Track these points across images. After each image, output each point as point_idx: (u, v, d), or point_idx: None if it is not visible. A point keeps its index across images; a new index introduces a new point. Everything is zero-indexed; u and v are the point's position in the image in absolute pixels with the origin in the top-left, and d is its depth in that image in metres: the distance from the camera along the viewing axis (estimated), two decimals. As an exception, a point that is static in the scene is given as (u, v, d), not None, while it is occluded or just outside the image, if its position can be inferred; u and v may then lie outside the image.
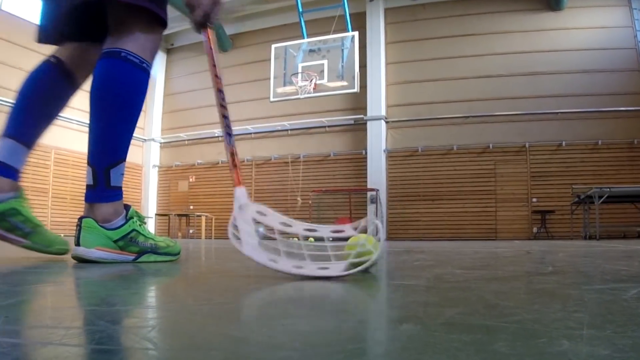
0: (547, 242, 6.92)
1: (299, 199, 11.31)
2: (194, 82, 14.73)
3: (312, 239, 6.48)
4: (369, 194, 11.88)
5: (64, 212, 12.20)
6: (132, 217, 1.53)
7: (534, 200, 11.01)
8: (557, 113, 11.02)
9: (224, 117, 1.34)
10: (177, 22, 14.36)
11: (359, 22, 11.97)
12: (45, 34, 1.62)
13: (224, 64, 14.51)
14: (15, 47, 11.52)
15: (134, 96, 1.51)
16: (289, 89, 10.21)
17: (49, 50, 1.74)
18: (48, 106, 1.72)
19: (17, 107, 1.64)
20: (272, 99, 10.38)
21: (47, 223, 11.87)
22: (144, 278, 1.09)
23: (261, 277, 1.10)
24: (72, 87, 1.75)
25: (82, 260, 1.49)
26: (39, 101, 1.66)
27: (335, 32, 10.67)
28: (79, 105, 10.89)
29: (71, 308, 0.69)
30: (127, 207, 1.56)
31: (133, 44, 1.45)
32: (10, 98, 12.10)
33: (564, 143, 10.94)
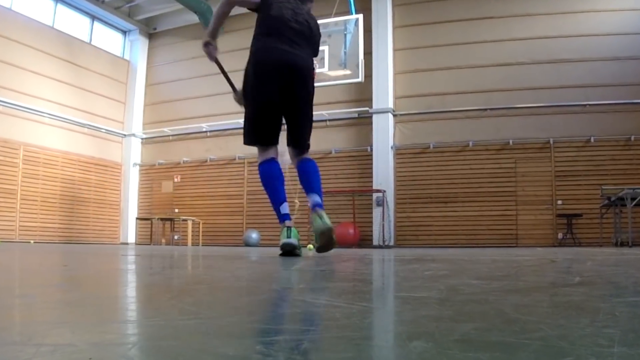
0: (574, 249, 6.92)
1: (296, 201, 11.28)
2: (179, 71, 14.72)
3: (310, 247, 6.74)
4: (374, 195, 11.87)
5: (34, 216, 12.21)
6: None
7: (559, 202, 11.01)
8: (585, 105, 11.02)
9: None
10: (161, 4, 14.40)
11: (364, 4, 11.98)
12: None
13: (213, 51, 14.49)
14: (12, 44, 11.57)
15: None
16: (285, 78, 10.22)
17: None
18: None
19: None
20: (266, 89, 10.39)
21: (15, 228, 11.87)
22: (124, 289, 1.09)
23: (253, 287, 1.10)
24: None
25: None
26: None
27: (337, 14, 10.66)
28: (50, 97, 11.03)
29: (42, 322, 0.69)
30: None
31: None
32: (7, 98, 12.03)
33: (592, 139, 10.94)
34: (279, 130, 3.34)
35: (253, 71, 3.30)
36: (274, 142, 3.35)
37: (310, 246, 8.33)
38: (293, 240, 3.12)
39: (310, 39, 3.44)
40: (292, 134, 3.41)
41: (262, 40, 3.34)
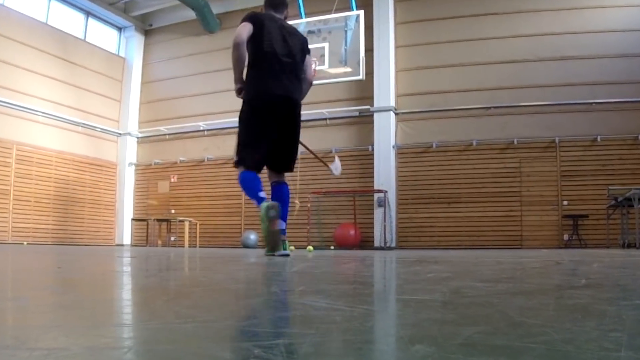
0: (580, 251, 6.92)
1: (297, 202, 11.29)
2: (175, 68, 14.73)
3: (310, 248, 7.25)
4: (376, 196, 11.87)
5: (27, 216, 12.21)
6: None
7: (565, 203, 11.01)
8: (592, 103, 11.02)
9: None
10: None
11: (365, 0, 11.99)
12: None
13: (211, 47, 14.52)
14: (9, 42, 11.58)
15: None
16: (284, 75, 10.22)
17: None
18: None
19: None
20: (265, 87, 10.39)
21: (8, 229, 11.88)
22: (119, 291, 1.09)
23: (252, 290, 1.10)
24: None
25: None
26: None
27: (337, 10, 10.66)
28: (44, 95, 11.07)
29: (35, 326, 0.69)
30: None
31: None
32: (0, 96, 12.04)
33: (599, 138, 10.94)
34: (270, 156, 3.82)
35: (250, 106, 3.74)
36: (259, 169, 3.82)
37: (310, 248, 8.36)
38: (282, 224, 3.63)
39: (301, 62, 3.89)
40: (281, 161, 3.87)
41: (257, 76, 3.74)
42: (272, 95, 3.70)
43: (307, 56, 4.01)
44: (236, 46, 3.67)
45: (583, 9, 11.31)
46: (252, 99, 3.74)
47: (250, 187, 3.70)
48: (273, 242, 3.52)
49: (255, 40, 3.71)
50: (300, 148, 4.15)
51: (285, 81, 3.73)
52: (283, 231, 3.65)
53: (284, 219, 3.73)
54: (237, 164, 3.78)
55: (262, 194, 3.64)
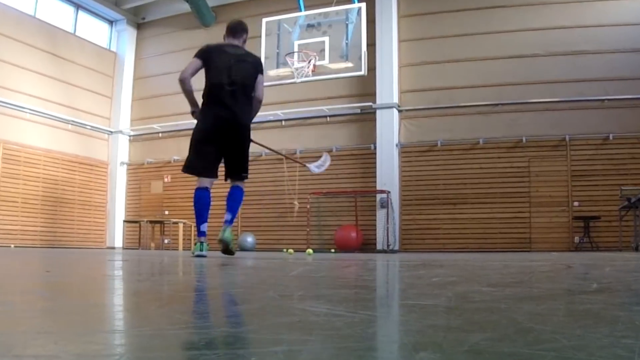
0: (591, 254, 6.92)
1: (295, 202, 11.30)
2: (169, 63, 14.71)
3: (291, 251, 7.63)
4: (378, 196, 11.88)
5: (14, 218, 12.21)
6: None
7: (576, 204, 11.01)
8: (604, 100, 11.02)
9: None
10: (150, -8, 14.40)
11: (367, -8, 11.98)
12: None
13: (206, 42, 14.49)
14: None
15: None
16: (282, 71, 10.21)
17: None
18: None
19: None
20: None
21: (-6, 231, 11.87)
22: (110, 296, 1.09)
23: (249, 295, 1.10)
24: None
25: None
26: None
27: (338, 3, 10.66)
28: (31, 91, 11.05)
29: (23, 332, 0.69)
30: None
31: None
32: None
33: (611, 136, 10.94)
34: (215, 167, 4.76)
35: (198, 127, 4.74)
36: (212, 175, 4.77)
37: (310, 250, 8.37)
38: (204, 253, 4.58)
39: (249, 86, 4.77)
40: (232, 170, 4.84)
41: (205, 106, 4.71)
42: (216, 119, 4.62)
43: (259, 76, 4.83)
44: (180, 82, 4.65)
45: (595, 1, 11.32)
46: (201, 122, 4.71)
47: (198, 212, 4.73)
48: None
49: (206, 73, 4.71)
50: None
51: (229, 107, 4.61)
52: (227, 222, 4.65)
53: (232, 211, 4.75)
54: (183, 168, 4.83)
55: (204, 227, 4.71)
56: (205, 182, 4.75)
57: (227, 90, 4.62)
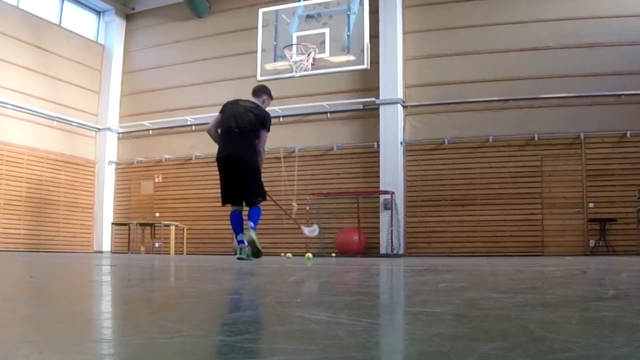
0: (608, 258, 6.92)
1: (294, 204, 11.29)
2: (160, 57, 14.72)
3: (289, 255, 8.40)
4: (382, 198, 11.86)
5: (-4, 220, 12.21)
6: None
7: (591, 205, 11.00)
8: (620, 95, 11.01)
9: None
10: (140, -19, 14.40)
11: (370, -19, 11.97)
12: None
13: (200, 33, 14.52)
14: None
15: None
16: (280, 65, 10.20)
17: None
18: None
19: None
20: (259, 77, 10.36)
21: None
22: (98, 303, 1.09)
23: (245, 302, 1.10)
24: None
25: None
26: None
27: (339, -8, 10.65)
28: (14, 86, 11.03)
29: (5, 341, 0.69)
30: None
31: None
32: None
33: (628, 133, 10.93)
34: (239, 195, 6.12)
35: (217, 163, 6.17)
36: (237, 203, 6.15)
37: (310, 255, 8.37)
38: (243, 256, 5.91)
39: (252, 130, 6.03)
40: (244, 198, 6.14)
41: (219, 144, 6.13)
42: (224, 155, 6.04)
43: (262, 131, 6.04)
44: (207, 132, 6.30)
45: (611, -9, 11.31)
46: (216, 159, 6.14)
47: (234, 228, 6.20)
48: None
49: (221, 121, 6.11)
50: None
51: (234, 145, 5.99)
52: (251, 227, 5.93)
53: (252, 220, 6.00)
54: (223, 203, 6.25)
55: (240, 237, 6.03)
56: (237, 207, 6.17)
57: (234, 132, 5.98)
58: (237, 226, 6.11)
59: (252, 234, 5.87)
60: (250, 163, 6.02)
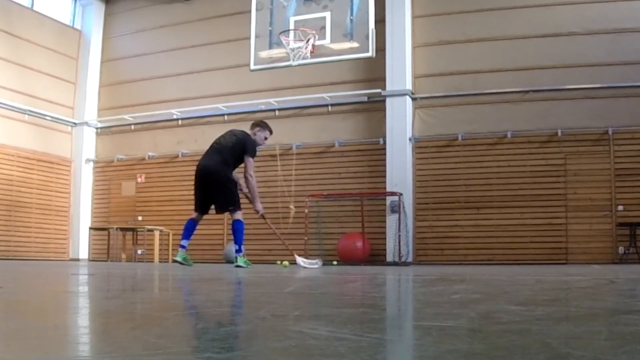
0: (638, 267, 6.92)
1: (292, 206, 11.31)
2: (143, 44, 14.73)
3: (285, 263, 8.55)
4: (388, 199, 11.86)
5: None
6: None
7: (620, 208, 11.00)
8: (653, 86, 11.02)
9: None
10: (120, -41, 14.39)
11: (375, -41, 11.97)
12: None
13: (186, 18, 14.52)
14: None
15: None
16: (276, 52, 10.21)
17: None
18: None
19: None
20: (252, 66, 10.38)
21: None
22: (74, 316, 1.09)
23: (237, 315, 1.10)
24: None
25: None
26: None
27: (341, -28, 10.66)
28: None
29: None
30: None
31: None
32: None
33: (661, 128, 10.95)
34: (206, 203, 7.33)
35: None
36: (203, 211, 7.42)
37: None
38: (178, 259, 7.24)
39: (230, 150, 7.16)
40: (215, 206, 7.32)
41: None
42: (198, 166, 7.32)
43: (245, 156, 7.09)
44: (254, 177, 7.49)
45: (642, -29, 11.32)
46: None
47: (183, 232, 7.43)
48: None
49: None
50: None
51: (209, 158, 7.19)
52: (236, 251, 7.17)
53: (236, 242, 7.24)
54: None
55: (184, 242, 7.30)
56: (197, 214, 7.41)
57: (213, 148, 7.28)
58: (186, 232, 7.34)
59: (239, 260, 6.96)
60: (219, 176, 7.11)
